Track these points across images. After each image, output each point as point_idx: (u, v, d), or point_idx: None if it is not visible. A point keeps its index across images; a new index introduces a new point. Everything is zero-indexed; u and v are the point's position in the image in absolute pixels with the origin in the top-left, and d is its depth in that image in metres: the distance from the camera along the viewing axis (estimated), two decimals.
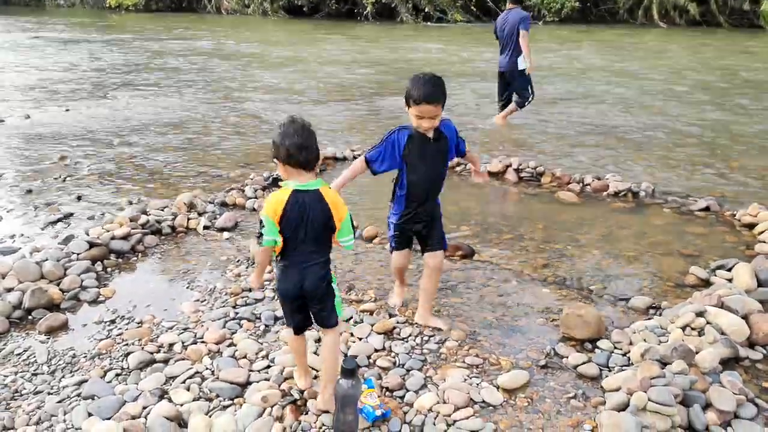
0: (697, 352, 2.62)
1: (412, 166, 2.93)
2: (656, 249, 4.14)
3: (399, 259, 3.20)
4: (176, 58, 14.55)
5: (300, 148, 2.27)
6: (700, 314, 2.90)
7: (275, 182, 5.39)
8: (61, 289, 3.45)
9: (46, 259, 3.66)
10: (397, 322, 3.13)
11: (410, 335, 3.02)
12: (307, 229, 2.31)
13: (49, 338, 3.07)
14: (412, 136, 2.89)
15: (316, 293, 2.39)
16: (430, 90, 2.74)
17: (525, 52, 7.34)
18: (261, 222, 2.31)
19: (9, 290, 3.36)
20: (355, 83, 11.07)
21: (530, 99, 7.67)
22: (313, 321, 2.50)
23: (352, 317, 3.20)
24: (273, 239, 2.30)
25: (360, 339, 3.01)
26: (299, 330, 2.52)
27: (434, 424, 2.41)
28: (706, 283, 3.56)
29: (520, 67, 7.43)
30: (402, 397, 2.59)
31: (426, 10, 25.69)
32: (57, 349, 2.97)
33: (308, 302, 2.43)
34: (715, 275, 3.59)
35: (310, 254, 2.36)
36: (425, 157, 2.92)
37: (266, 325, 3.15)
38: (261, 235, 2.31)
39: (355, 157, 6.21)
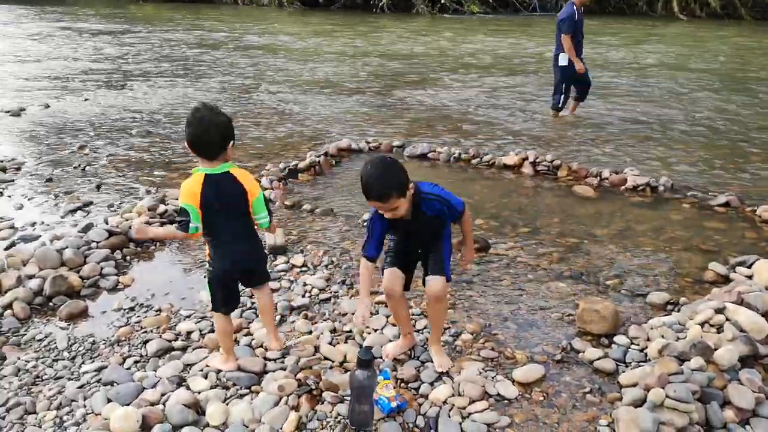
0: (715, 349, 2.60)
1: (397, 240, 2.73)
2: (675, 244, 4.10)
3: (388, 278, 2.67)
4: (193, 48, 14.61)
5: (196, 139, 2.38)
6: (719, 311, 2.87)
7: (291, 173, 5.41)
8: (81, 277, 3.50)
9: (67, 247, 3.71)
10: (413, 314, 3.14)
11: (426, 327, 3.03)
12: (228, 210, 2.44)
13: (69, 325, 3.12)
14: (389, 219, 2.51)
15: (252, 269, 2.64)
16: (369, 189, 2.37)
17: (570, 55, 7.26)
18: (181, 210, 2.40)
19: (30, 277, 3.42)
20: (371, 74, 11.04)
21: (559, 101, 7.55)
22: (248, 284, 2.79)
23: (368, 308, 3.21)
24: (196, 226, 2.39)
25: (375, 330, 3.02)
26: (229, 310, 2.66)
27: (449, 417, 2.42)
28: (726, 280, 3.52)
29: (560, 63, 7.34)
30: (417, 389, 2.60)
31: (442, 1, 25.51)
32: (77, 335, 3.02)
33: (245, 275, 2.65)
34: (735, 272, 3.55)
35: (235, 233, 2.50)
36: (410, 234, 2.65)
37: (282, 315, 3.17)
38: (182, 222, 2.40)
39: (370, 149, 6.22)
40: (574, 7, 7.13)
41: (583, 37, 7.33)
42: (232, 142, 2.44)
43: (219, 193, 2.39)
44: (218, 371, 2.67)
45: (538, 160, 5.66)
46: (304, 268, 3.71)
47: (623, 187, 5.17)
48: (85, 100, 8.69)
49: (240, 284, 2.76)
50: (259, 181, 5.07)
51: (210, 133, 2.37)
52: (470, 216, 2.73)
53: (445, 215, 2.59)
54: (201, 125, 2.37)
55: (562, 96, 7.53)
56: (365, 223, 2.64)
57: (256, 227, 2.59)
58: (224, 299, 2.61)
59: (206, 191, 2.38)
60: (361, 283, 2.64)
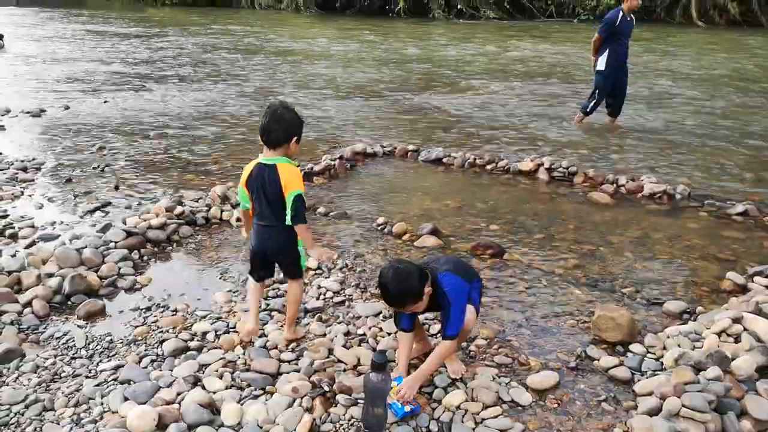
0: (732, 359, 2.57)
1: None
2: (691, 253, 4.06)
3: (402, 340, 2.67)
4: (212, 51, 14.76)
5: (263, 128, 2.66)
6: (736, 320, 2.84)
7: (307, 176, 5.44)
8: (99, 276, 3.54)
9: (85, 247, 3.76)
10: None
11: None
12: (266, 197, 2.67)
13: (87, 323, 3.16)
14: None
15: (276, 256, 2.84)
16: (387, 295, 2.46)
17: (591, 53, 7.30)
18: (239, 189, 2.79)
19: (50, 276, 3.47)
20: (387, 78, 11.08)
21: (587, 106, 7.50)
22: (284, 273, 2.98)
23: (381, 312, 3.22)
24: (244, 205, 2.78)
25: (389, 334, 3.03)
26: (260, 279, 2.94)
27: (462, 422, 2.42)
28: (743, 289, 3.48)
29: (597, 67, 7.33)
30: (430, 394, 2.59)
31: (458, 6, 25.54)
32: (95, 334, 3.06)
33: (270, 255, 2.83)
34: (753, 281, 3.51)
35: (268, 220, 2.71)
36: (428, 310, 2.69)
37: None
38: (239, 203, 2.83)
39: (385, 153, 6.24)
40: (620, 13, 7.07)
41: (625, 40, 7.21)
42: (296, 139, 2.69)
43: (260, 181, 2.66)
44: (233, 371, 2.69)
45: (553, 166, 5.64)
46: (318, 271, 3.73)
47: (640, 195, 5.13)
48: (105, 102, 8.81)
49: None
50: None
51: (275, 127, 2.64)
52: (451, 349, 2.62)
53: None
54: (270, 118, 2.65)
55: (594, 101, 7.43)
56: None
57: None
58: (256, 267, 2.91)
59: (252, 177, 2.69)
60: (400, 354, 2.67)
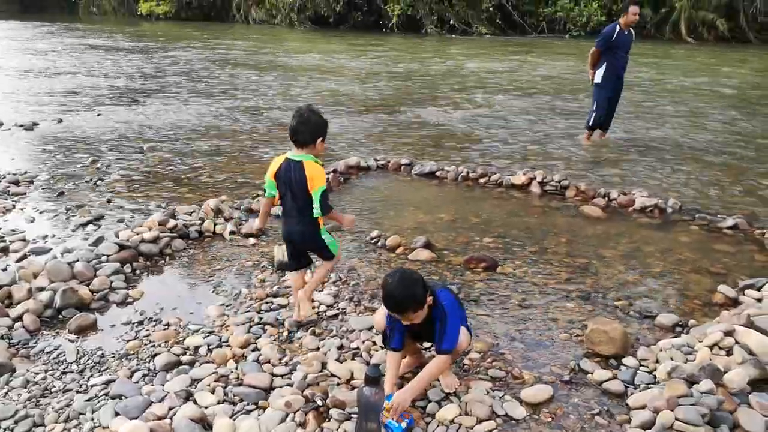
0: (725, 372, 2.58)
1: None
2: (683, 266, 4.09)
3: (391, 359, 2.64)
4: (205, 66, 14.80)
5: (291, 129, 2.97)
6: (728, 333, 2.86)
7: None
8: (91, 290, 3.52)
9: (77, 260, 3.74)
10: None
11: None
12: (293, 190, 2.97)
13: (78, 337, 3.13)
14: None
15: (303, 244, 3.13)
16: (392, 303, 2.46)
17: (588, 66, 7.37)
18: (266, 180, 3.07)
19: (41, 290, 3.44)
20: (380, 92, 11.14)
21: (589, 120, 7.51)
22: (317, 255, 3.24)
23: (374, 326, 3.21)
24: (270, 193, 3.06)
25: (383, 348, 3.01)
26: (293, 268, 3.24)
27: None
28: (735, 303, 3.50)
29: (594, 80, 7.36)
30: (424, 408, 2.59)
31: (451, 22, 25.80)
32: (86, 348, 3.03)
33: (299, 243, 3.12)
34: (744, 294, 3.54)
35: (294, 212, 3.02)
36: (419, 334, 2.70)
37: (290, 331, 3.18)
38: (265, 190, 3.08)
39: (379, 167, 6.26)
40: (617, 27, 7.12)
41: (623, 54, 7.23)
42: (321, 139, 2.98)
43: (288, 175, 2.96)
44: (225, 386, 2.68)
45: (545, 180, 5.67)
46: None
47: (631, 208, 5.17)
48: (98, 115, 8.81)
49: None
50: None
51: (302, 129, 2.94)
52: (445, 365, 2.62)
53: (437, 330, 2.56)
54: (298, 121, 2.95)
55: (594, 114, 7.44)
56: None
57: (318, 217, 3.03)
58: (291, 257, 3.23)
59: (280, 170, 2.99)
60: (388, 371, 2.63)
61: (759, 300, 3.41)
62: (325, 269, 3.29)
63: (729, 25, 22.24)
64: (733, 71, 14.82)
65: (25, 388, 2.71)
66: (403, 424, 2.41)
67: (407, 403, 2.47)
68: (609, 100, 7.36)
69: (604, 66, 7.20)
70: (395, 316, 2.52)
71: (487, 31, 25.52)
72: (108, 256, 3.89)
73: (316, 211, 2.96)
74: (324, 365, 2.85)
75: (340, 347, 3.03)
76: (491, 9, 25.40)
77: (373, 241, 4.37)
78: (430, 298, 2.50)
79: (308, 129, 2.94)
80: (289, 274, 3.30)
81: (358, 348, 3.03)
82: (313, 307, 3.36)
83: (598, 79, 7.29)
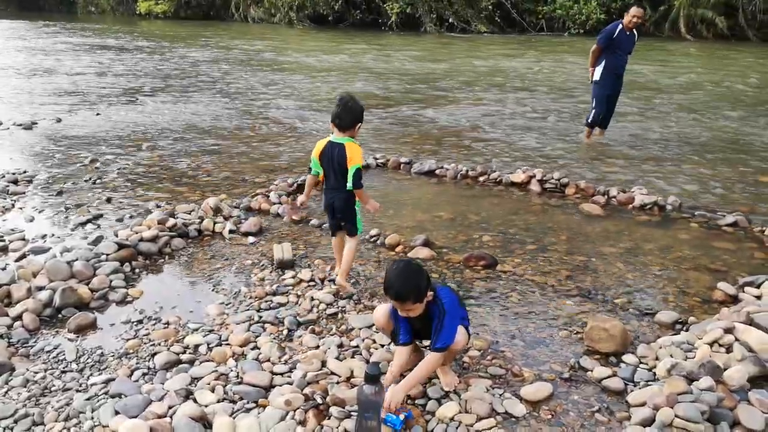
0: (724, 369, 2.58)
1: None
2: (683, 263, 4.09)
3: (397, 356, 2.67)
4: (204, 64, 14.79)
5: (335, 115, 3.37)
6: (728, 330, 2.86)
7: (300, 188, 5.45)
8: (90, 289, 3.52)
9: (76, 259, 3.74)
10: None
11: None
12: (334, 168, 3.38)
13: (78, 337, 3.13)
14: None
15: (341, 212, 3.51)
16: (398, 290, 2.45)
17: (589, 63, 7.39)
18: (313, 161, 3.47)
19: (40, 289, 3.44)
20: (380, 91, 11.13)
21: (588, 117, 7.54)
22: (345, 230, 3.59)
23: (374, 324, 3.21)
24: (316, 171, 3.48)
25: (382, 346, 3.02)
26: (334, 233, 3.67)
27: None
28: (734, 300, 3.50)
29: (594, 77, 7.39)
30: (424, 406, 2.59)
31: (450, 20, 25.78)
32: (85, 347, 3.03)
33: (338, 212, 3.51)
34: (744, 292, 3.54)
35: (335, 185, 3.44)
36: (418, 330, 2.70)
37: (289, 330, 3.18)
38: (310, 168, 3.53)
39: (378, 165, 6.26)
40: (620, 26, 7.14)
41: (622, 54, 7.25)
42: (359, 125, 3.40)
43: (331, 155, 3.37)
44: (225, 384, 2.68)
45: (545, 178, 5.67)
46: (311, 283, 3.72)
47: (631, 206, 5.17)
48: (97, 114, 8.80)
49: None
50: (267, 196, 5.14)
51: (345, 115, 3.34)
52: (439, 362, 2.62)
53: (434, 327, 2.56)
54: (342, 108, 3.35)
55: (593, 111, 7.46)
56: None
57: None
58: (330, 224, 3.68)
59: (325, 151, 3.40)
60: (393, 366, 2.65)
61: (758, 297, 3.41)
62: (351, 249, 3.59)
63: (728, 22, 22.21)
64: (732, 69, 14.81)
65: (25, 387, 2.71)
66: (402, 417, 2.41)
67: (400, 398, 2.47)
68: (608, 97, 7.37)
69: (602, 64, 7.24)
70: (395, 304, 2.51)
71: (486, 29, 25.50)
72: (107, 255, 3.88)
73: (349, 184, 3.34)
74: (324, 363, 2.85)
75: (340, 345, 3.03)
76: (490, 7, 25.38)
77: (372, 240, 4.36)
78: (430, 294, 2.51)
79: (350, 115, 3.35)
80: (332, 239, 3.73)
81: (357, 346, 3.03)
82: (336, 293, 3.59)
83: (596, 76, 7.32)
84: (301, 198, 3.67)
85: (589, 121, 7.56)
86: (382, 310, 2.77)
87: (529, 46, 20.56)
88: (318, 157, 3.44)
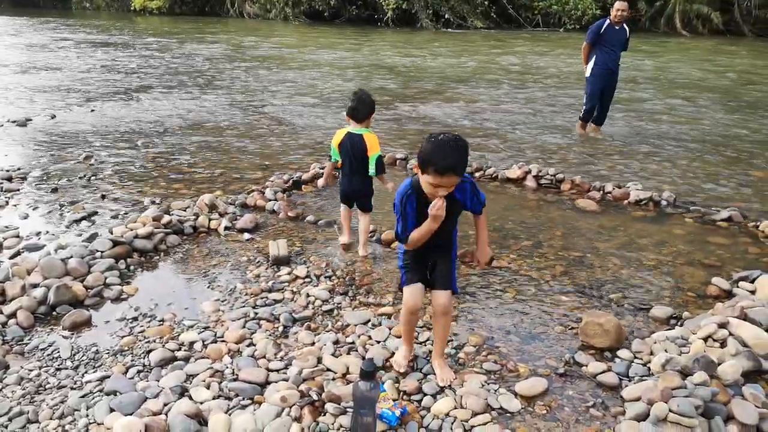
0: (719, 364, 2.59)
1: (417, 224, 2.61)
2: (677, 259, 4.10)
3: (413, 294, 2.65)
4: (199, 60, 14.74)
5: (351, 108, 3.83)
6: (722, 325, 2.87)
7: (295, 185, 5.44)
8: (85, 286, 3.51)
9: (71, 257, 3.72)
10: (416, 326, 3.13)
11: (429, 339, 3.03)
12: (353, 157, 3.85)
13: (72, 334, 3.12)
14: (420, 200, 2.53)
15: (358, 194, 4.02)
16: (457, 160, 2.36)
17: (583, 58, 7.58)
18: (331, 148, 3.97)
19: (34, 286, 3.43)
20: (376, 87, 11.11)
21: (582, 111, 7.70)
22: (360, 208, 4.09)
23: (370, 320, 3.22)
24: (335, 158, 3.97)
25: (378, 342, 3.02)
26: (348, 205, 4.13)
27: (451, 430, 2.41)
28: (729, 295, 3.51)
29: (586, 73, 7.56)
30: (419, 402, 2.59)
31: (446, 16, 25.74)
32: (80, 344, 3.02)
33: (354, 198, 4.04)
34: (738, 287, 3.55)
35: (354, 171, 3.91)
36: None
37: (285, 326, 3.17)
38: (330, 156, 4.03)
39: None
40: (607, 21, 7.29)
41: (612, 49, 7.34)
42: (372, 115, 3.84)
43: (350, 144, 3.83)
44: (221, 381, 2.68)
45: (541, 174, 5.68)
46: (307, 279, 3.72)
47: (626, 201, 5.18)
48: (92, 110, 8.76)
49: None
50: (263, 193, 5.13)
51: (360, 108, 3.79)
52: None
53: (467, 203, 2.61)
54: (357, 102, 3.79)
55: (584, 107, 7.63)
56: (394, 209, 2.62)
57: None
58: (343, 200, 4.14)
59: (344, 141, 3.85)
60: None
61: (752, 292, 3.43)
62: (366, 222, 4.09)
63: (724, 18, 22.25)
64: (727, 65, 14.84)
65: (19, 384, 2.70)
66: (397, 413, 2.41)
67: (489, 253, 2.80)
68: (600, 92, 7.47)
69: (593, 59, 7.39)
70: (444, 181, 2.37)
71: (483, 25, 25.48)
72: (102, 252, 3.87)
73: (372, 170, 3.84)
74: (319, 360, 2.85)
75: (336, 342, 3.03)
76: (486, 3, 25.36)
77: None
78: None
79: (365, 107, 3.80)
80: (342, 209, 4.16)
81: (353, 342, 3.03)
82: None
83: (588, 72, 7.46)
84: (320, 181, 4.33)
85: (582, 115, 7.67)
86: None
87: (524, 41, 20.55)
88: (337, 146, 3.87)
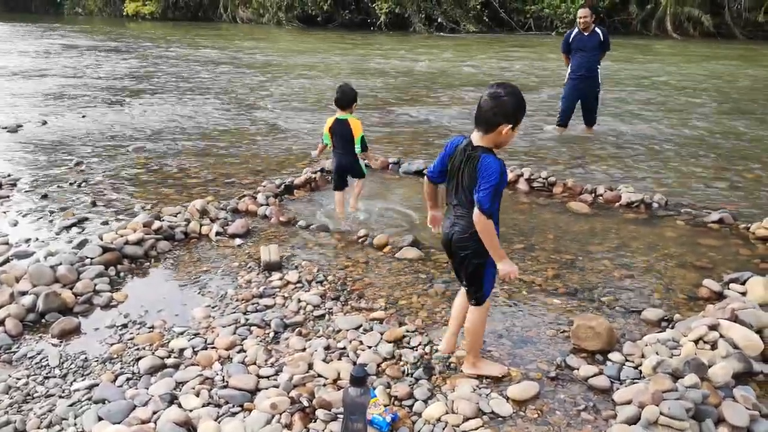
0: (709, 366, 2.60)
1: (448, 177, 2.76)
2: (669, 261, 4.11)
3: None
4: (191, 66, 14.71)
5: (336, 99, 4.55)
6: (713, 327, 2.87)
7: (287, 189, 5.43)
8: (74, 293, 3.48)
9: (60, 263, 3.69)
10: (407, 331, 3.13)
11: (420, 344, 3.02)
12: (341, 137, 4.58)
13: (61, 342, 3.09)
14: (464, 148, 2.69)
15: (348, 169, 4.74)
16: (515, 105, 2.73)
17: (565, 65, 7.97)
18: (323, 133, 4.70)
19: (23, 293, 3.40)
20: (368, 91, 11.11)
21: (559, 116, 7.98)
22: (353, 177, 4.82)
23: (361, 325, 3.21)
24: (326, 142, 4.68)
25: (369, 347, 3.01)
26: (339, 189, 4.81)
27: None
28: (720, 296, 3.52)
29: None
30: (411, 407, 2.58)
31: (439, 20, 25.82)
32: (69, 352, 3.00)
33: (345, 172, 4.75)
34: (729, 288, 3.56)
35: (343, 151, 4.64)
36: (461, 172, 2.70)
37: (276, 332, 3.16)
38: (322, 139, 4.73)
39: (365, 166, 6.22)
40: (575, 30, 7.71)
41: (584, 54, 7.65)
42: (355, 104, 4.58)
43: (338, 128, 4.57)
44: (210, 388, 2.66)
45: (533, 177, 5.68)
46: (298, 285, 3.70)
47: (618, 204, 5.19)
48: (83, 117, 8.73)
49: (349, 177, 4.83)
50: (255, 198, 5.11)
51: (343, 98, 4.53)
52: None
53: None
54: (341, 93, 4.53)
55: (560, 109, 7.93)
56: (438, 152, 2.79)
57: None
58: (336, 183, 4.81)
59: (333, 125, 4.59)
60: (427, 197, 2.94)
61: (743, 294, 3.43)
62: (360, 185, 4.83)
63: (714, 21, 22.39)
64: (718, 67, 14.93)
65: (7, 393, 2.67)
66: (388, 418, 2.40)
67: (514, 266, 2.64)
68: (581, 97, 7.79)
69: (570, 65, 7.79)
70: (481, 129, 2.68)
71: (475, 28, 25.56)
72: (92, 258, 3.84)
73: (358, 148, 4.56)
74: (310, 366, 2.84)
75: (327, 347, 3.01)
76: (478, 7, 25.44)
77: (360, 240, 4.35)
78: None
79: (346, 98, 4.53)
80: (335, 193, 4.82)
81: (344, 348, 3.01)
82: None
83: (567, 77, 7.86)
84: (314, 153, 5.23)
85: (558, 119, 8.02)
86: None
87: (516, 44, 20.62)
88: (328, 131, 4.60)
